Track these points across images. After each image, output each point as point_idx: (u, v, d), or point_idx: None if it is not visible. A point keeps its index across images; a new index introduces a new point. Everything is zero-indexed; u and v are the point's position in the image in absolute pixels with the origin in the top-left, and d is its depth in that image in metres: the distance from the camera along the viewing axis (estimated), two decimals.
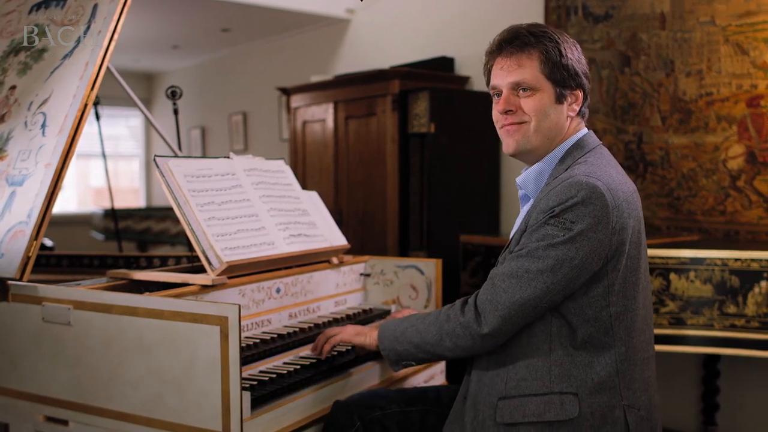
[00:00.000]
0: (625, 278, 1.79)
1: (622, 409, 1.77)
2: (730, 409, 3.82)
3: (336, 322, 2.51)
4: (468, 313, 1.84)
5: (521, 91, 1.89)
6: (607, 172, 1.81)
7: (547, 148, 1.92)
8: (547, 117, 1.88)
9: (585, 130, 1.96)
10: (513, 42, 1.89)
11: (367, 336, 2.13)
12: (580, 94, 1.92)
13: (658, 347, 3.08)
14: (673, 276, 3.15)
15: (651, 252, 3.13)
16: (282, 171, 2.68)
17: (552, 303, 1.77)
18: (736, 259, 3.08)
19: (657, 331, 3.14)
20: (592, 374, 1.77)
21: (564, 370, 1.77)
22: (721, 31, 3.77)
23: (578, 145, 1.91)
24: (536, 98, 1.88)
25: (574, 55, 1.90)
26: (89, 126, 2.36)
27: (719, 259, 3.11)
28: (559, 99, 1.89)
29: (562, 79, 1.87)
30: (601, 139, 1.99)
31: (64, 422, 2.05)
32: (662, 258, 3.16)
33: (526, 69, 1.87)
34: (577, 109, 1.92)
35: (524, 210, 1.98)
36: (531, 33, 1.88)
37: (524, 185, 1.98)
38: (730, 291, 3.09)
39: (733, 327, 3.09)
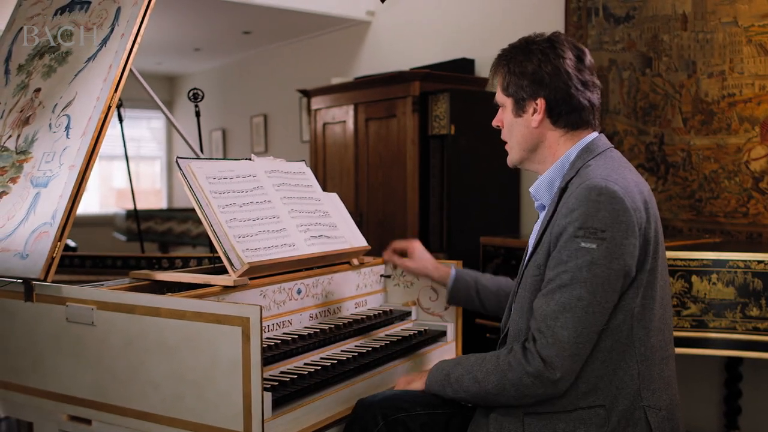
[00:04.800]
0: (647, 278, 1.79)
1: (643, 411, 1.76)
2: (752, 413, 3.78)
3: (356, 323, 2.52)
4: (534, 362, 1.74)
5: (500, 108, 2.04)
6: (620, 173, 1.80)
7: (535, 158, 1.98)
8: (512, 131, 2.00)
9: (594, 134, 1.95)
10: (492, 65, 2.03)
11: (416, 382, 2.08)
12: (541, 102, 1.90)
13: (680, 350, 3.05)
14: (695, 278, 3.13)
15: (673, 254, 3.11)
16: (303, 172, 2.69)
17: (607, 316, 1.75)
18: (759, 261, 3.05)
19: (679, 333, 3.11)
20: (616, 381, 1.77)
21: (591, 386, 1.77)
22: (743, 31, 3.73)
23: (587, 149, 1.90)
24: (504, 114, 2.01)
25: (533, 65, 1.90)
26: (112, 128, 2.38)
27: (742, 261, 3.08)
28: (517, 112, 1.96)
29: (515, 91, 1.94)
30: (622, 141, 1.99)
31: (87, 421, 2.08)
32: (684, 260, 3.14)
33: (497, 88, 2.02)
34: (539, 118, 1.91)
35: (541, 217, 1.97)
36: (500, 55, 2.00)
37: (538, 195, 1.98)
38: (753, 293, 3.06)
39: (756, 330, 3.06)
